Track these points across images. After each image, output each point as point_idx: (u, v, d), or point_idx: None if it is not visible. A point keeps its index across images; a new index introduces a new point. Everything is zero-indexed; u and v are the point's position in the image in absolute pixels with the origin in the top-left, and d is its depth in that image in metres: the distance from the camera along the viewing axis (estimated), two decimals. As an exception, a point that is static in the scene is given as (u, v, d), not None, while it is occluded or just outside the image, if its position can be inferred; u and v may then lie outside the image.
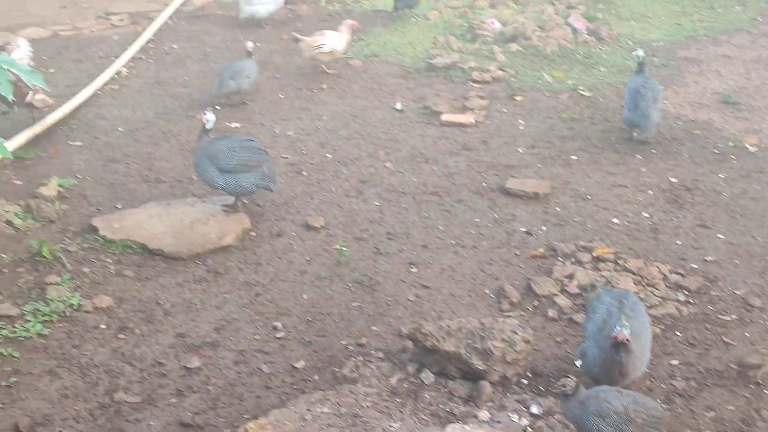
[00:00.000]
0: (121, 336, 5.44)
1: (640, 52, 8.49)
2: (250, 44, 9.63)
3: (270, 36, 11.89)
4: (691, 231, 6.76)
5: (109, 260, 6.27)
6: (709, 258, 6.38)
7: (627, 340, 4.45)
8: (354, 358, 5.20)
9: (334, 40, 10.14)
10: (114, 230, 6.55)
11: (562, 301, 5.78)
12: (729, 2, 13.33)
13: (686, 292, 5.93)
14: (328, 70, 10.25)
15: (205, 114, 6.79)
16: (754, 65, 10.44)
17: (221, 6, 13.48)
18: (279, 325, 5.57)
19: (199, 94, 9.51)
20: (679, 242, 6.60)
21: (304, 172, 7.76)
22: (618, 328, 4.49)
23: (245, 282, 6.05)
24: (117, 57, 10.69)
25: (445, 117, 8.93)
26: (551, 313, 5.68)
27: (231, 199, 6.93)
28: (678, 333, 5.50)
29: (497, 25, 11.64)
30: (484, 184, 7.55)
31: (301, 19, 12.73)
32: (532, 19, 11.90)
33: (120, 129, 8.67)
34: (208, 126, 6.79)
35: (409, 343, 5.17)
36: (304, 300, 5.86)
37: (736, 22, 12.37)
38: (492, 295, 5.93)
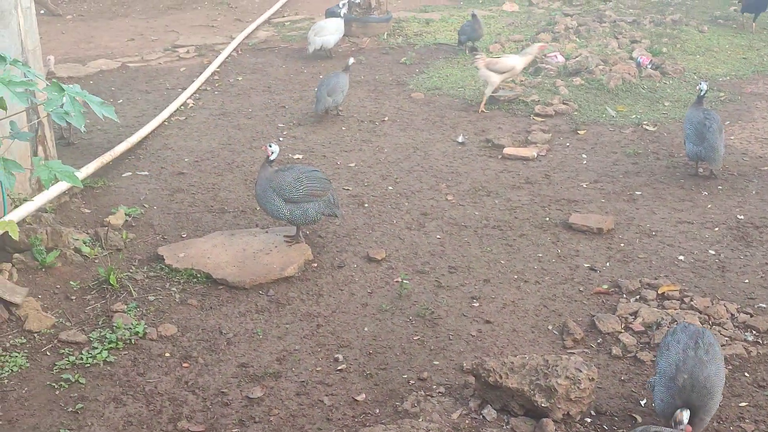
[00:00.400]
0: (185, 365, 5.49)
1: (704, 85, 8.39)
2: (351, 60, 10.28)
3: (333, 68, 12.03)
4: (760, 269, 6.61)
5: (174, 289, 6.35)
6: (778, 298, 6.23)
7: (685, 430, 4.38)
8: (415, 393, 5.17)
9: (513, 59, 10.14)
10: (179, 259, 6.64)
11: (627, 338, 5.69)
12: (797, 36, 13.13)
13: (755, 333, 5.79)
14: (483, 109, 10.20)
15: (270, 146, 6.87)
16: (824, 101, 10.24)
17: (285, 39, 13.69)
18: (340, 357, 5.57)
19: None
20: (747, 281, 6.46)
21: (365, 204, 7.80)
22: (680, 428, 4.39)
23: (307, 313, 6.07)
24: (183, 89, 10.91)
25: (507, 150, 8.91)
26: (615, 350, 5.58)
27: (293, 230, 6.99)
28: (747, 374, 5.36)
29: (560, 59, 11.62)
30: (547, 219, 7.49)
31: (364, 52, 12.85)
32: (596, 52, 11.86)
33: (186, 159, 8.82)
34: (273, 157, 6.87)
35: (472, 379, 5.13)
36: (366, 332, 5.85)
37: (804, 57, 12.17)
38: (555, 332, 5.86)
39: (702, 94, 8.32)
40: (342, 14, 12.52)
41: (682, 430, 4.40)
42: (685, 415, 4.39)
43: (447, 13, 15.14)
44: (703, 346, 4.62)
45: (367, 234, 7.25)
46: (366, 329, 5.89)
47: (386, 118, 10.03)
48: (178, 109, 10.22)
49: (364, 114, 10.20)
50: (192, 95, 10.74)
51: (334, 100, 9.82)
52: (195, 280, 6.46)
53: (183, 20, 15.20)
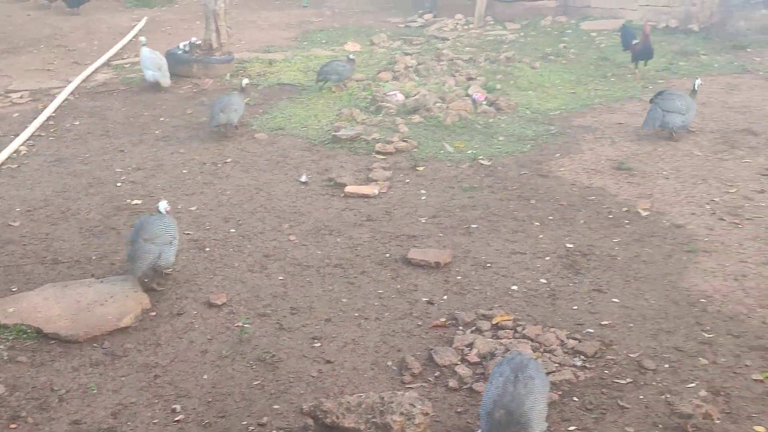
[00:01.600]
0: (13, 426, 5.27)
1: (699, 81, 10.78)
2: (245, 81, 11.24)
3: (174, 110, 11.90)
4: (587, 296, 6.94)
5: (2, 346, 6.09)
6: (604, 322, 6.54)
7: None
8: (255, 438, 5.15)
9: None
10: (8, 315, 6.38)
11: (463, 370, 5.84)
12: (622, 71, 13.92)
13: (583, 357, 6.06)
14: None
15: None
16: (645, 132, 10.87)
17: (124, 82, 13.46)
18: (178, 407, 5.47)
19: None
20: (575, 307, 6.76)
21: (206, 248, 7.73)
22: None
23: (144, 364, 5.95)
24: (16, 135, 10.54)
25: (349, 189, 9.03)
26: (452, 383, 5.73)
27: (128, 279, 6.84)
28: (575, 398, 5.60)
29: (400, 97, 11.91)
30: (387, 255, 7.63)
31: (206, 93, 12.78)
32: (434, 90, 12.21)
33: (17, 209, 8.51)
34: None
35: (310, 421, 5.15)
36: (205, 380, 5.78)
37: (628, 90, 12.92)
38: (394, 368, 5.96)
39: (695, 87, 10.61)
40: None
41: None
42: None
43: (290, 53, 15.26)
44: (522, 379, 4.77)
45: (208, 279, 7.18)
46: (205, 377, 5.82)
47: (229, 159, 10.00)
48: (9, 156, 9.86)
49: (206, 156, 10.13)
50: (25, 142, 10.39)
51: (227, 117, 10.52)
52: (25, 335, 6.22)
53: (17, 64, 14.70)
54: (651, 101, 10.58)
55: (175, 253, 7.03)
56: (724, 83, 13.18)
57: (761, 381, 5.76)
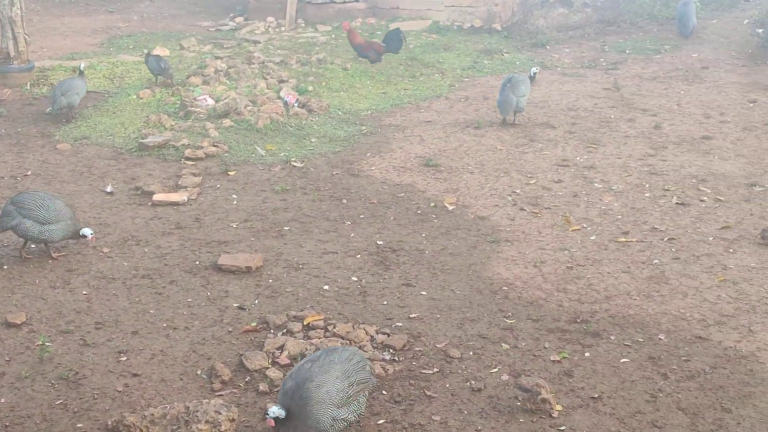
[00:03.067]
0: None
1: (536, 68, 11.96)
2: (83, 64, 12.19)
3: (-32, 123, 11.28)
4: (397, 290, 7.09)
5: None
6: (413, 315, 6.71)
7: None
8: (56, 461, 4.95)
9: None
10: None
11: (273, 373, 5.84)
12: (430, 71, 14.30)
13: (392, 351, 6.19)
14: None
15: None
16: (452, 129, 11.23)
17: None
18: (-28, 435, 5.20)
19: None
20: (385, 302, 6.90)
21: (5, 266, 7.36)
22: (268, 414, 4.78)
23: (-66, 392, 5.60)
24: None
25: (157, 197, 8.83)
26: (262, 387, 5.71)
27: None
28: (384, 392, 5.72)
29: (210, 102, 11.75)
30: (197, 263, 7.52)
31: (4, 104, 12.16)
32: (245, 94, 12.12)
33: None
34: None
35: (115, 437, 5.01)
36: (2, 404, 5.50)
37: (436, 89, 13.28)
38: (204, 376, 5.88)
39: (532, 74, 11.58)
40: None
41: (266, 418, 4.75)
42: (272, 409, 4.75)
43: (96, 59, 14.73)
44: (320, 361, 4.95)
45: (6, 297, 6.85)
46: (2, 400, 5.54)
47: (29, 172, 9.56)
48: None
49: (4, 169, 9.65)
50: None
51: (68, 101, 11.05)
52: None
53: None
54: (502, 88, 11.08)
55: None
56: (525, 80, 13.78)
57: (558, 361, 6.07)
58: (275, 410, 4.72)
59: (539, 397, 5.42)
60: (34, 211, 7.35)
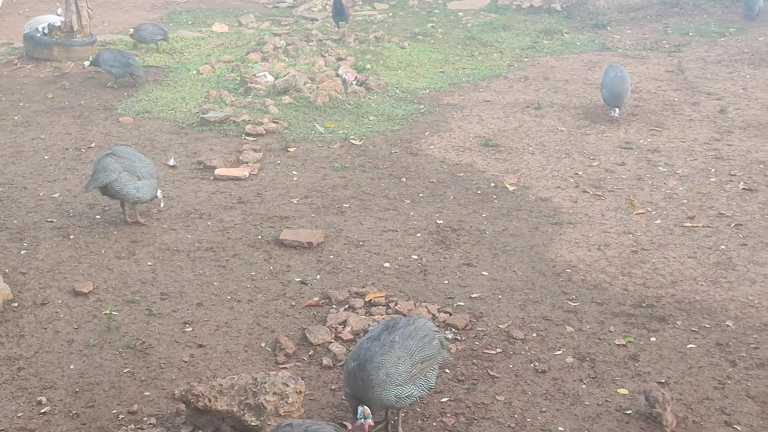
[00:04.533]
0: None
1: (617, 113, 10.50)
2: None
3: (35, 95, 11.44)
4: (458, 270, 7.06)
5: None
6: (474, 295, 6.68)
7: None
8: (125, 427, 5.02)
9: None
10: None
11: (337, 348, 5.86)
12: (488, 50, 14.20)
13: (454, 330, 6.17)
14: None
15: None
16: (511, 109, 11.13)
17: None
18: (44, 399, 5.29)
19: None
20: (446, 282, 6.87)
21: (71, 236, 7.47)
22: (360, 420, 4.75)
23: (6, 357, 5.71)
24: None
25: (219, 171, 8.90)
26: (326, 361, 5.73)
27: None
28: (447, 371, 5.70)
29: (269, 78, 11.78)
30: (260, 237, 7.56)
31: (68, 77, 12.32)
32: (303, 71, 12.13)
33: None
34: None
35: (182, 406, 5.06)
36: (72, 371, 5.60)
37: (495, 69, 13.17)
38: (268, 349, 5.92)
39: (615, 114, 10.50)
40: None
41: (362, 423, 4.70)
42: (360, 410, 4.72)
43: (156, 34, 14.84)
44: (380, 340, 4.91)
45: (73, 267, 6.95)
46: (72, 367, 5.64)
47: (93, 145, 9.68)
48: None
49: (68, 141, 9.79)
50: None
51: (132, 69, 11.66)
52: None
53: None
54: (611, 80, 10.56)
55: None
56: (586, 60, 13.62)
57: (624, 345, 6.00)
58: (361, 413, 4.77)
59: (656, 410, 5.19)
60: (135, 162, 7.49)
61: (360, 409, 4.75)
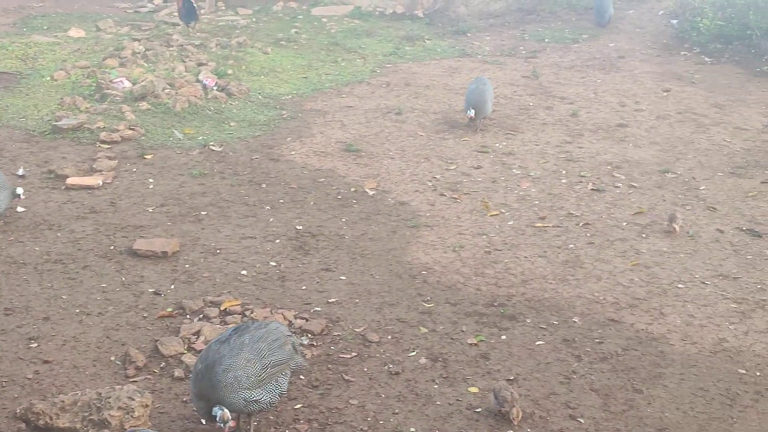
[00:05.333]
0: None
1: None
2: None
3: None
4: (316, 275, 7.07)
5: None
6: (332, 300, 6.69)
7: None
8: (-39, 451, 4.80)
9: None
10: None
11: (189, 359, 5.76)
12: (351, 56, 14.26)
13: (311, 336, 6.17)
14: None
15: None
16: (373, 114, 11.22)
17: None
18: None
19: None
20: (304, 287, 6.86)
21: None
22: (219, 424, 4.74)
23: None
24: None
25: (70, 180, 8.62)
26: (178, 372, 5.63)
27: None
28: (302, 377, 5.69)
29: (126, 84, 11.50)
30: (112, 247, 7.36)
31: None
32: (163, 76, 11.89)
33: None
34: None
35: (23, 425, 4.87)
36: None
37: (358, 75, 13.23)
38: (118, 362, 5.77)
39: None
40: None
41: (222, 427, 4.69)
42: (219, 413, 4.71)
43: (8, 40, 14.26)
44: (230, 342, 4.88)
45: None
46: None
47: (-65, 155, 9.22)
48: None
49: None
50: None
51: None
52: None
53: None
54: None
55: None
56: (447, 66, 13.86)
57: (475, 344, 6.13)
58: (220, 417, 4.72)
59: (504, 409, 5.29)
60: None
61: (219, 413, 4.68)
